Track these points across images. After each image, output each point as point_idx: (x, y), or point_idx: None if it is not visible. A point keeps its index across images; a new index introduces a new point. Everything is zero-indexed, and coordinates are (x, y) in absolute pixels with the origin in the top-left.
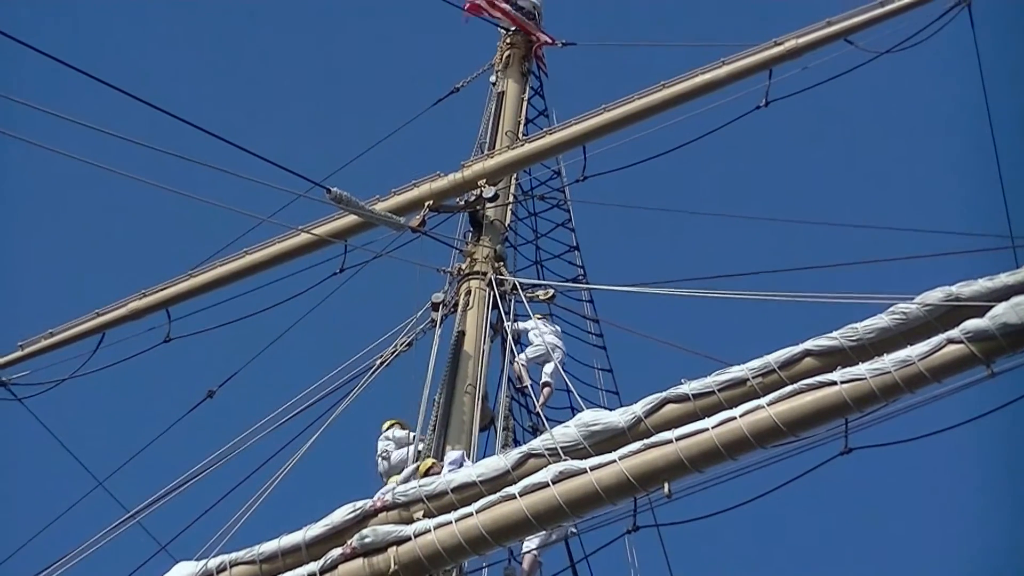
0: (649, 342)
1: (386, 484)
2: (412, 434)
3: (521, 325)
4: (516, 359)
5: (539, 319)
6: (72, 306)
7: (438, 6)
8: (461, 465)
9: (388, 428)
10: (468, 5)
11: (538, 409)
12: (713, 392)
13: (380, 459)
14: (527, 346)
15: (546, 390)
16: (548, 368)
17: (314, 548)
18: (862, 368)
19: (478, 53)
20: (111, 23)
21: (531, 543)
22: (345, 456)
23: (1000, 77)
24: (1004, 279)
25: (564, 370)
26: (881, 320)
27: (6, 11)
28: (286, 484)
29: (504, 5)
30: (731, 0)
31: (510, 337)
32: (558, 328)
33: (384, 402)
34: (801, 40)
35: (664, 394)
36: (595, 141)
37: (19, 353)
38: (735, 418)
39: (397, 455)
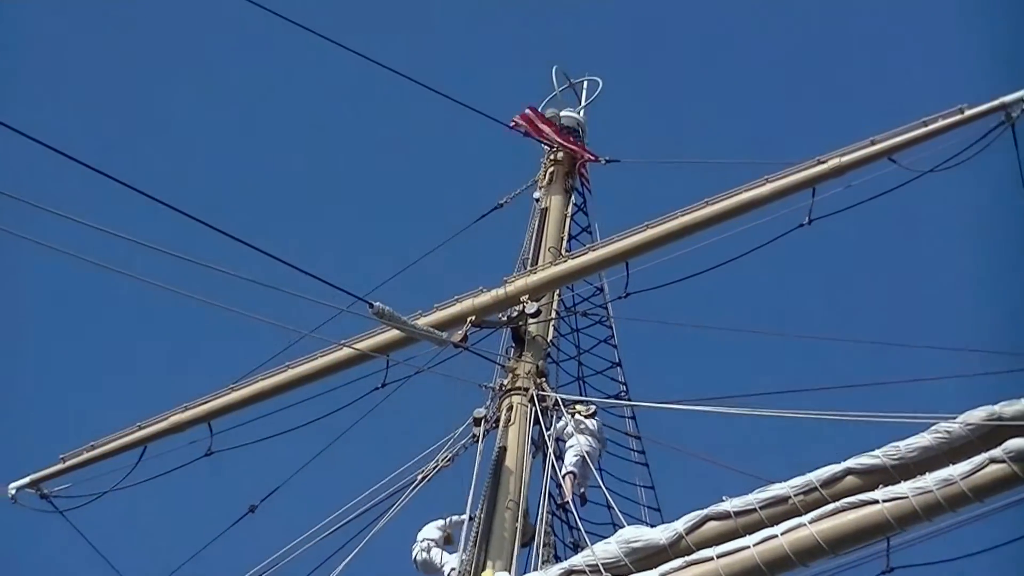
0: (691, 459)
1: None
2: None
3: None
4: (558, 474)
5: (582, 415)
6: (114, 419)
7: (483, 122)
8: None
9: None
10: (513, 124)
11: (567, 499)
12: (755, 509)
13: (421, 549)
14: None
15: (567, 480)
16: (570, 459)
17: None
18: (904, 487)
19: (522, 169)
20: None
21: None
22: (386, 572)
23: None
24: None
25: (606, 486)
26: (924, 439)
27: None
28: None
29: (546, 126)
30: (775, 118)
31: (551, 452)
32: (596, 424)
33: (425, 517)
34: (845, 159)
35: (706, 511)
36: (638, 258)
37: (60, 466)
38: (776, 536)
39: (437, 554)
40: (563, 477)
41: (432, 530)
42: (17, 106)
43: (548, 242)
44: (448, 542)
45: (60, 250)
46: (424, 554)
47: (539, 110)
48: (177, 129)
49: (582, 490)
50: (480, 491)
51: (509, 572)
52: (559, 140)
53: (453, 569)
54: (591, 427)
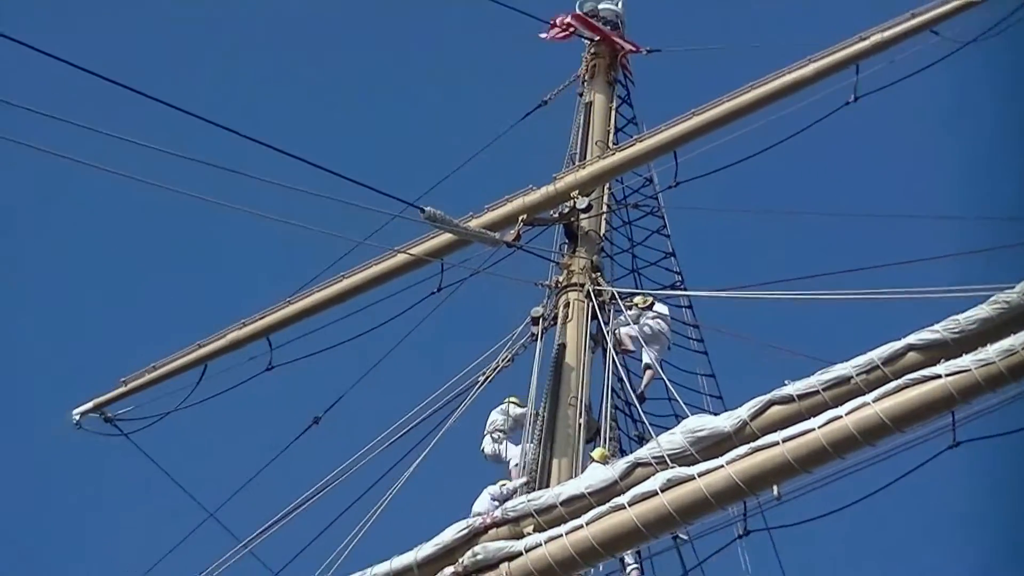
0: (750, 345)
1: (496, 453)
2: (528, 414)
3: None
4: (619, 368)
5: (639, 307)
6: (174, 339)
7: (523, 20)
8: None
9: (507, 404)
10: (546, 34)
11: (642, 390)
12: (818, 392)
13: (490, 436)
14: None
15: (648, 372)
16: (645, 355)
17: (426, 568)
18: (966, 359)
19: (564, 65)
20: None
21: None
22: (453, 474)
23: None
24: None
25: (668, 379)
26: (983, 311)
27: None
28: (395, 505)
29: (582, 19)
30: None
31: (611, 347)
32: (664, 314)
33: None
34: (887, 33)
35: (768, 396)
36: (685, 146)
37: (122, 389)
38: (841, 416)
39: (508, 449)
40: (644, 368)
41: (497, 416)
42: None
43: (595, 136)
44: (517, 427)
45: (112, 171)
46: (494, 445)
47: (577, 5)
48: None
49: (643, 388)
50: (542, 389)
51: (575, 468)
52: (598, 32)
53: (516, 465)
54: (659, 318)
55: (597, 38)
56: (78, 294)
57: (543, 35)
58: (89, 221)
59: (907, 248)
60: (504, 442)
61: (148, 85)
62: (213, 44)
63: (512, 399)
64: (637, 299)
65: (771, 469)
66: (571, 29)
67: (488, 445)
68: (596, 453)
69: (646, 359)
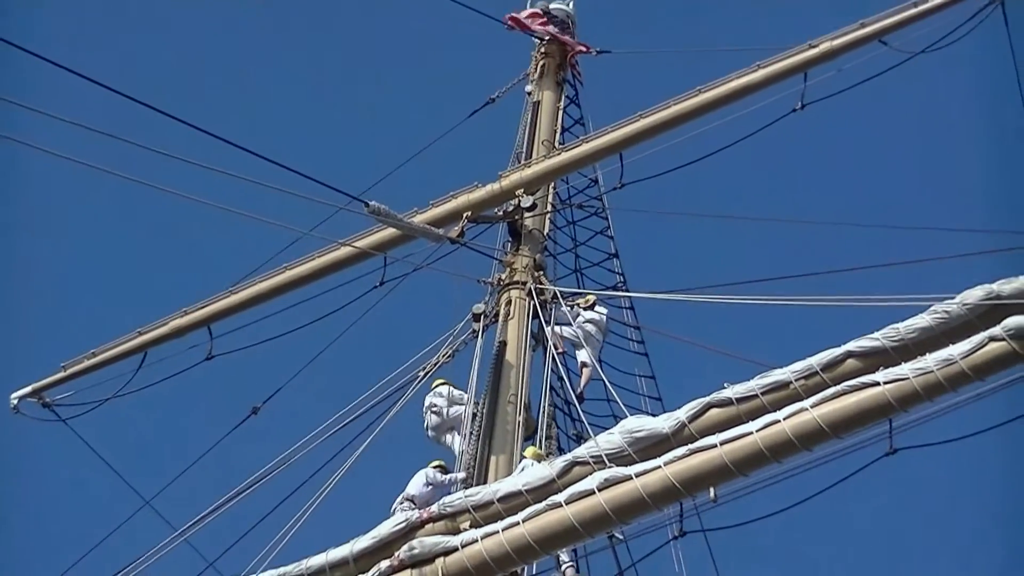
0: (691, 348)
1: (438, 439)
2: (464, 395)
3: (566, 331)
4: (559, 367)
5: (581, 307)
6: (114, 326)
7: (473, 18)
8: None
9: (438, 386)
10: (507, 18)
11: (580, 390)
12: (756, 396)
13: (430, 413)
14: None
15: (585, 371)
16: (582, 354)
17: (362, 561)
18: (905, 368)
19: (513, 63)
20: (146, 41)
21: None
22: (391, 468)
23: None
24: None
25: (608, 380)
26: (923, 320)
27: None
28: (332, 498)
29: (534, 20)
30: (765, 4)
31: (551, 345)
32: (603, 315)
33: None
34: (836, 42)
35: (707, 399)
36: (631, 148)
37: (62, 374)
38: (779, 421)
39: (454, 411)
40: (580, 366)
41: (433, 399)
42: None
43: (541, 135)
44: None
45: (58, 155)
46: (436, 417)
47: (528, 4)
48: (172, 31)
49: (582, 387)
50: (482, 385)
51: (512, 465)
52: (549, 32)
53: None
54: (596, 317)
55: (547, 37)
56: (19, 278)
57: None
58: (33, 205)
59: (849, 255)
60: (453, 433)
61: (93, 69)
62: (161, 29)
63: (439, 380)
64: (579, 300)
65: (708, 471)
66: (534, 20)
67: (430, 419)
68: (529, 451)
69: (583, 358)
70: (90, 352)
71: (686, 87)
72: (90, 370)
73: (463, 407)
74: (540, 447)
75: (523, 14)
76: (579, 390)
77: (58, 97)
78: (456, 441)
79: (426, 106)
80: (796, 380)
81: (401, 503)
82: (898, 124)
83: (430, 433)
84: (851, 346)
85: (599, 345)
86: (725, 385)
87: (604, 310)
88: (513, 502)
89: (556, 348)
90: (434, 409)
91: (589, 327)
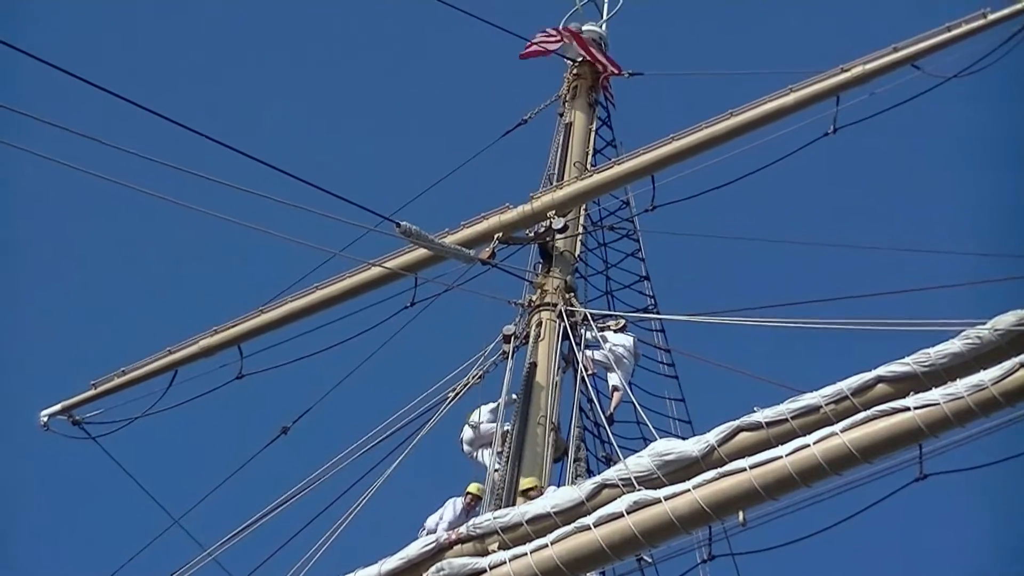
0: (721, 371)
1: (471, 455)
2: (497, 432)
3: (597, 355)
4: (589, 389)
5: (612, 330)
6: (144, 344)
7: (506, 38)
8: None
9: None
10: (526, 53)
11: (610, 412)
12: (786, 420)
13: (468, 427)
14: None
15: (616, 395)
16: (613, 377)
17: None
18: (935, 394)
19: (545, 85)
20: (183, 59)
21: None
22: (421, 490)
23: None
24: None
25: (638, 402)
26: (953, 345)
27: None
28: (361, 519)
29: (568, 37)
30: (798, 28)
31: (581, 367)
32: (631, 340)
33: (457, 434)
34: (868, 66)
35: (737, 422)
36: (663, 171)
37: (92, 392)
38: (809, 445)
39: (487, 427)
40: (612, 390)
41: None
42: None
43: (573, 157)
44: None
45: (90, 172)
46: (473, 431)
47: (562, 26)
48: (198, 52)
49: (612, 409)
50: (511, 407)
51: (542, 486)
52: (584, 49)
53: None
54: (625, 343)
55: (581, 58)
56: (50, 296)
57: (528, 49)
58: (64, 223)
59: (881, 279)
60: (484, 450)
61: (125, 88)
62: (193, 48)
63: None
64: (610, 322)
65: (737, 495)
66: (561, 39)
67: (467, 435)
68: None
69: (614, 381)
70: (120, 370)
71: (718, 110)
72: (120, 388)
73: (495, 424)
74: (569, 469)
75: (544, 39)
76: (609, 412)
77: (93, 113)
78: (487, 457)
79: (458, 127)
80: (826, 404)
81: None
82: (930, 148)
83: (465, 448)
84: (882, 371)
85: (630, 369)
86: (755, 409)
87: (631, 336)
88: (542, 524)
89: (587, 370)
90: (472, 423)
91: (620, 350)
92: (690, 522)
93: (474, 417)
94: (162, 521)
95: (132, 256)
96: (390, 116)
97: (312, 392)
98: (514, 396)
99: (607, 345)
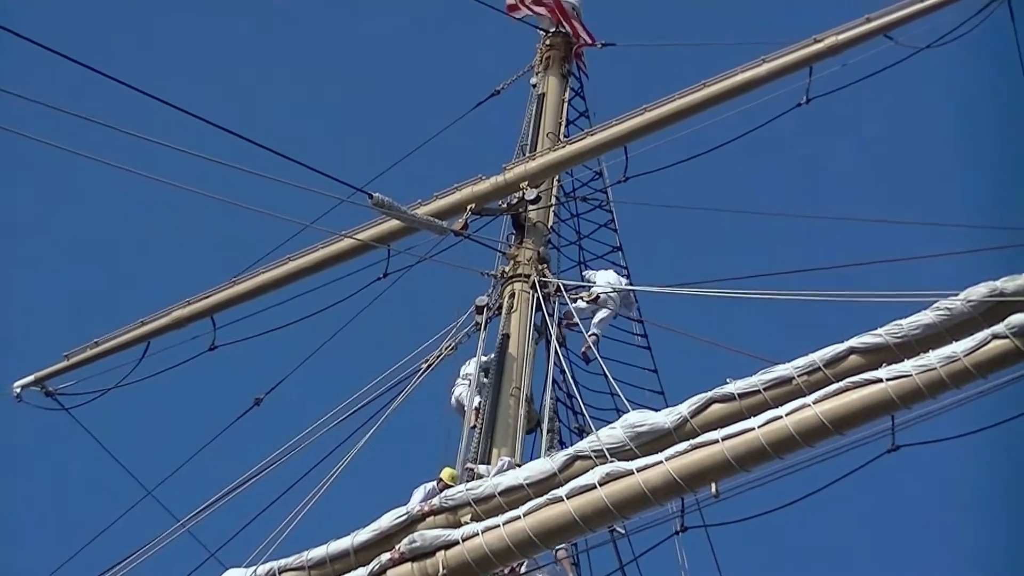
0: (694, 342)
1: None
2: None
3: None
4: (562, 360)
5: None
6: (117, 315)
7: (477, 8)
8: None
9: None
10: (508, 5)
11: (584, 348)
12: (759, 391)
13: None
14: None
15: (591, 338)
16: (595, 321)
17: (362, 553)
18: (907, 365)
19: (518, 55)
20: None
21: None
22: (392, 461)
23: None
24: None
25: (610, 374)
26: (926, 316)
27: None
28: (334, 490)
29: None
30: None
31: (554, 338)
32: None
33: (429, 406)
34: (841, 36)
35: (710, 394)
36: (636, 141)
37: (65, 363)
38: (781, 417)
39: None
40: (588, 336)
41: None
42: None
43: (546, 128)
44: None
45: (61, 147)
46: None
47: None
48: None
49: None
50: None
51: (514, 458)
52: (558, 16)
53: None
54: (610, 279)
55: (553, 29)
56: (21, 267)
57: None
58: (35, 195)
59: (853, 250)
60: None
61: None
62: (160, 16)
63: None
64: (583, 293)
65: (710, 466)
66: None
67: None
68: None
69: (594, 323)
70: (93, 341)
71: (691, 81)
72: (93, 359)
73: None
74: (543, 440)
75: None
76: (582, 350)
77: (58, 86)
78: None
79: (430, 98)
80: (799, 376)
81: None
82: (903, 119)
83: (453, 402)
84: (854, 342)
85: (617, 304)
86: (728, 380)
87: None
88: (515, 496)
89: (567, 321)
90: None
91: (604, 296)
92: (663, 494)
93: (465, 369)
94: (135, 492)
95: (103, 226)
96: (362, 87)
97: (285, 363)
98: (484, 369)
99: (592, 288)
